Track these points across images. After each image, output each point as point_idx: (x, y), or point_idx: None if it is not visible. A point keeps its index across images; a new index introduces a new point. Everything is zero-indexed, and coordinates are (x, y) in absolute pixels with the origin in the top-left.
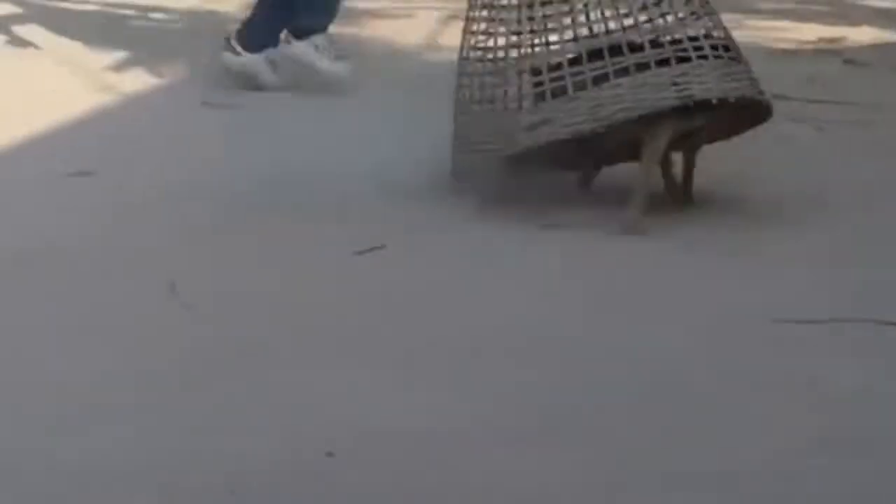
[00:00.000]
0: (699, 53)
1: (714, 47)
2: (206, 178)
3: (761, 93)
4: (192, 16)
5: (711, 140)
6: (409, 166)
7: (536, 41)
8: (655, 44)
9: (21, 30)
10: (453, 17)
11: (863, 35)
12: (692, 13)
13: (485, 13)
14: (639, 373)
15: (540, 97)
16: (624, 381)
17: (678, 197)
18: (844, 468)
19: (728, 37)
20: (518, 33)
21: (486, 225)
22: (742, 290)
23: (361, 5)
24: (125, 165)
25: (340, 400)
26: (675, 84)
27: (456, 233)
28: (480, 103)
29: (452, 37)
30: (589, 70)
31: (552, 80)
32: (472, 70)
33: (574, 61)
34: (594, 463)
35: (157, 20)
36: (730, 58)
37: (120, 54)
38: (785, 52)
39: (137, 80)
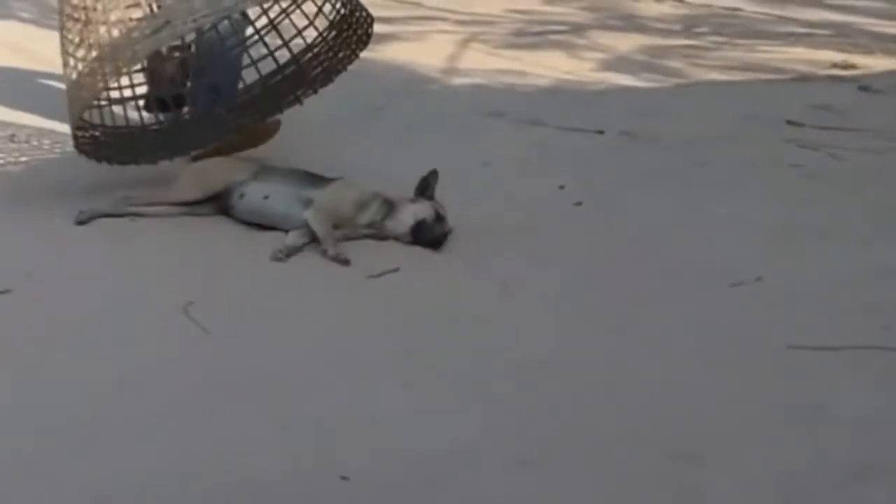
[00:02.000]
0: None
1: None
2: None
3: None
4: None
5: None
6: None
7: None
8: None
9: None
10: (469, 40)
11: (877, 62)
12: None
13: None
14: (644, 396)
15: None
16: (630, 405)
17: None
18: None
19: None
20: None
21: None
22: (753, 317)
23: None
24: None
25: (355, 420)
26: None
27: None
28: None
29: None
30: None
31: None
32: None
33: None
34: (602, 486)
35: None
36: None
37: None
38: (799, 78)
39: None
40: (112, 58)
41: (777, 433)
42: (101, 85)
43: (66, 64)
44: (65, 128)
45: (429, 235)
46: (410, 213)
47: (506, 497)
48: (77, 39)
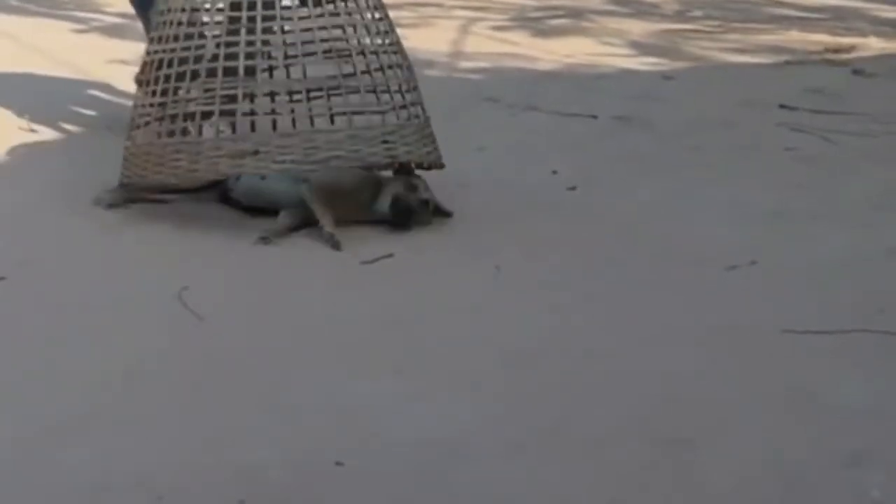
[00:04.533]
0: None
1: (414, 104)
2: None
3: (439, 156)
4: None
5: None
6: None
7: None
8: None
9: None
10: (468, 25)
11: (870, 46)
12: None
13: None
14: (638, 382)
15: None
16: (624, 391)
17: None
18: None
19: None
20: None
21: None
22: (747, 301)
23: None
24: None
25: (348, 407)
26: (385, 142)
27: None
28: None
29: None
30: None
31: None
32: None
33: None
34: (596, 475)
35: None
36: (425, 118)
37: None
38: (792, 62)
39: None
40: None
41: (772, 418)
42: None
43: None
44: (65, 121)
45: (400, 208)
46: (389, 192)
47: (499, 484)
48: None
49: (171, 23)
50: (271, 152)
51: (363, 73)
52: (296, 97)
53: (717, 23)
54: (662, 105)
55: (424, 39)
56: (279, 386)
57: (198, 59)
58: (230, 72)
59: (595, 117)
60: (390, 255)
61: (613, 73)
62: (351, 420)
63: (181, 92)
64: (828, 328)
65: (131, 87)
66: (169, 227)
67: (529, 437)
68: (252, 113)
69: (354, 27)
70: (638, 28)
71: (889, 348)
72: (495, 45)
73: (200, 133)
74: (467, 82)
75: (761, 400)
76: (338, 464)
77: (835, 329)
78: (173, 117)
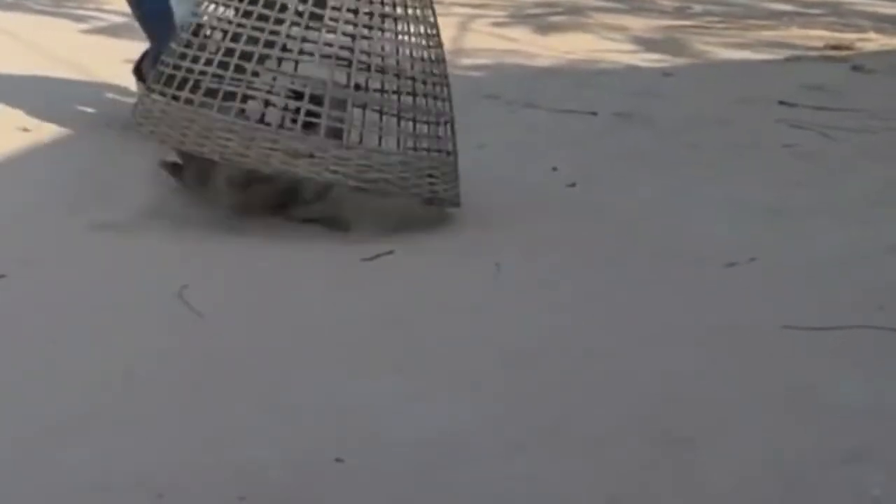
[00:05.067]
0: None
1: (452, 138)
2: None
3: (458, 194)
4: None
5: None
6: None
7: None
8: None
9: None
10: (468, 21)
11: (870, 42)
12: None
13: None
14: (637, 381)
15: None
16: (623, 390)
17: None
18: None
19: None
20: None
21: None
22: (747, 298)
23: None
24: None
25: (348, 407)
26: (430, 175)
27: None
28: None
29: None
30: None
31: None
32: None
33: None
34: (596, 475)
35: None
36: (456, 154)
37: None
38: (792, 58)
39: None
40: None
41: (772, 416)
42: None
43: None
44: (66, 118)
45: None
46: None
47: (498, 483)
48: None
49: None
50: (326, 160)
51: (423, 97)
52: (368, 111)
53: (716, 19)
54: (662, 102)
55: None
56: (279, 385)
57: (269, 45)
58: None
59: (595, 114)
60: (391, 252)
61: (613, 70)
62: (351, 419)
63: (247, 73)
64: (828, 325)
65: (132, 87)
66: (169, 227)
67: (529, 436)
68: (315, 115)
69: (412, 51)
70: (638, 24)
71: (889, 346)
72: (494, 42)
73: (262, 120)
74: (466, 79)
75: (761, 398)
76: (338, 460)
77: (835, 326)
78: (229, 94)
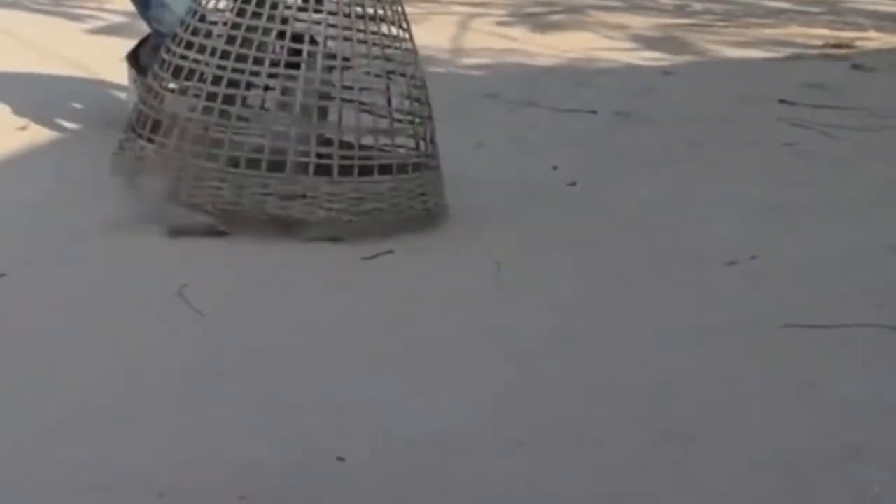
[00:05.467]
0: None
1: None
2: None
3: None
4: None
5: None
6: None
7: None
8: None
9: None
10: (468, 20)
11: (870, 40)
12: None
13: None
14: (638, 378)
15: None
16: (624, 387)
17: None
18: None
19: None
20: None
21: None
22: (748, 296)
23: None
24: None
25: (349, 406)
26: (422, 194)
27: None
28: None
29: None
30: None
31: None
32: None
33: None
34: (596, 472)
35: None
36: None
37: None
38: (792, 57)
39: None
40: None
41: (772, 413)
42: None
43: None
44: (65, 117)
45: None
46: None
47: (498, 481)
48: None
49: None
50: (319, 198)
51: (407, 122)
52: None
53: (717, 17)
54: (662, 100)
55: (423, 35)
56: (279, 385)
57: (249, 86)
58: (284, 106)
59: (595, 113)
60: (391, 252)
61: (613, 69)
62: (351, 418)
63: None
64: (828, 323)
65: (131, 86)
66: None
67: (529, 434)
68: (305, 154)
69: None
70: (637, 23)
71: (889, 344)
72: (494, 41)
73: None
74: (466, 78)
75: (761, 396)
76: (339, 459)
77: (835, 324)
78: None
